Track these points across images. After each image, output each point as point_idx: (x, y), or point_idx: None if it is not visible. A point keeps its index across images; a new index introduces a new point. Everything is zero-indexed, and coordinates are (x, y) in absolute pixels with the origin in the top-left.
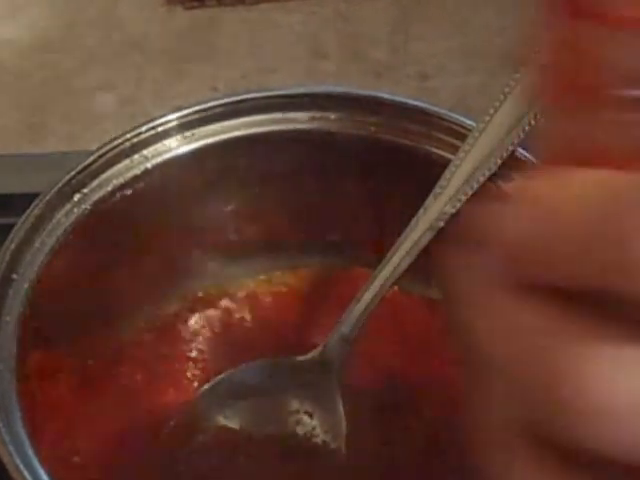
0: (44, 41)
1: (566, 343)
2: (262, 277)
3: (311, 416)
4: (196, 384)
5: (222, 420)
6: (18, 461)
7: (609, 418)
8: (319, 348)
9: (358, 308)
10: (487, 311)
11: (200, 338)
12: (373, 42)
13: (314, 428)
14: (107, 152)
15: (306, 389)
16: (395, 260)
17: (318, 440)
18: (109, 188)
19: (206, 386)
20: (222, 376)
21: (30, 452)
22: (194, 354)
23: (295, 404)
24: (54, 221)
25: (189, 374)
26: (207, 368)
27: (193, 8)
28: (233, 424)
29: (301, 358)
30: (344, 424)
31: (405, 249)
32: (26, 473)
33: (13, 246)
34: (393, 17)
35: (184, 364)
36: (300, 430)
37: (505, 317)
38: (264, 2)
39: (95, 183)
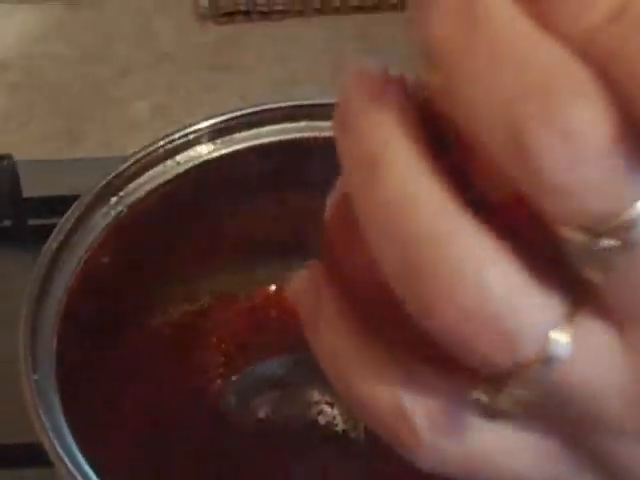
0: (82, 53)
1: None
2: (289, 275)
3: (332, 406)
4: (225, 376)
5: (249, 410)
6: (58, 447)
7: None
8: None
9: None
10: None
11: (229, 332)
12: (392, 56)
13: (334, 417)
14: (142, 158)
15: (328, 381)
16: None
17: (338, 429)
18: (144, 192)
19: (234, 378)
20: (250, 369)
21: (69, 438)
22: (223, 347)
23: (317, 395)
24: (92, 222)
25: (218, 366)
26: (236, 361)
27: (223, 23)
28: (260, 414)
29: None
30: None
31: None
32: (66, 459)
33: (54, 246)
34: None
35: (214, 357)
36: (322, 419)
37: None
38: (289, 18)
39: (130, 187)
